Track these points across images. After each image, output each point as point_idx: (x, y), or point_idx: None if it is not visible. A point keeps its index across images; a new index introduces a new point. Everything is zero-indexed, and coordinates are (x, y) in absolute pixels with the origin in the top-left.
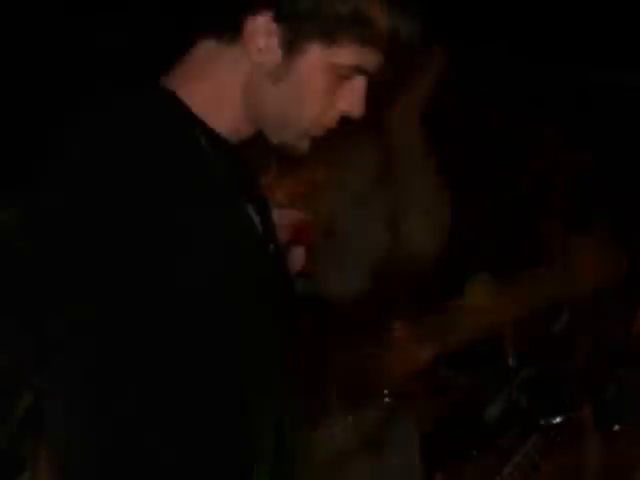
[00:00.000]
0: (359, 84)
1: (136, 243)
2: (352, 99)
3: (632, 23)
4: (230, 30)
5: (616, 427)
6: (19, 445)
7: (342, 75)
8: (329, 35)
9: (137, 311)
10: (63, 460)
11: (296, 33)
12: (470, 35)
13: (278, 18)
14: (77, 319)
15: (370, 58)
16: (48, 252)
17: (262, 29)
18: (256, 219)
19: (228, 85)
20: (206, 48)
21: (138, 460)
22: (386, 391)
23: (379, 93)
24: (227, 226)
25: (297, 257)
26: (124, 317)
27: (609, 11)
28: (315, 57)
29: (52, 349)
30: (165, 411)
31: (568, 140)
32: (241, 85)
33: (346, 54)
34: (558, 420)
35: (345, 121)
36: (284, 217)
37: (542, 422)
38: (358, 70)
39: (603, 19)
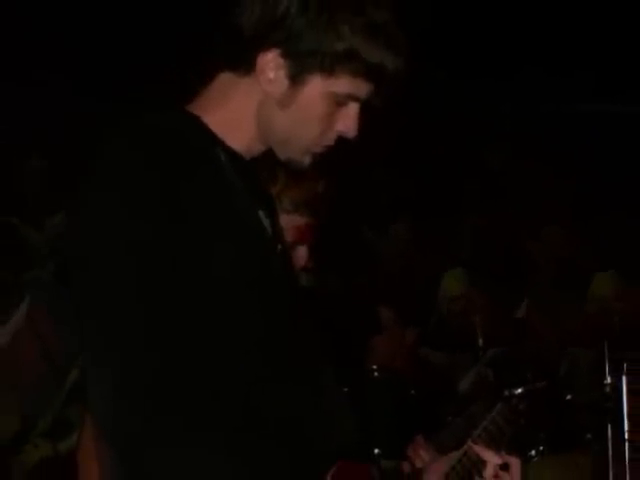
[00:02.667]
0: (353, 109)
1: (168, 241)
2: (347, 122)
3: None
4: (245, 64)
5: (568, 397)
6: (69, 411)
7: (339, 102)
8: (328, 68)
9: (173, 295)
10: (100, 423)
11: (300, 67)
12: (457, 68)
13: (285, 54)
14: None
15: (362, 87)
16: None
17: (272, 63)
18: (266, 222)
19: (243, 110)
20: (224, 79)
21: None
22: (375, 366)
23: None
24: (242, 228)
25: (300, 255)
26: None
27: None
28: (316, 87)
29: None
30: (182, 386)
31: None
32: (254, 110)
33: (342, 84)
34: (519, 391)
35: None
36: (289, 221)
37: (506, 393)
38: (352, 98)
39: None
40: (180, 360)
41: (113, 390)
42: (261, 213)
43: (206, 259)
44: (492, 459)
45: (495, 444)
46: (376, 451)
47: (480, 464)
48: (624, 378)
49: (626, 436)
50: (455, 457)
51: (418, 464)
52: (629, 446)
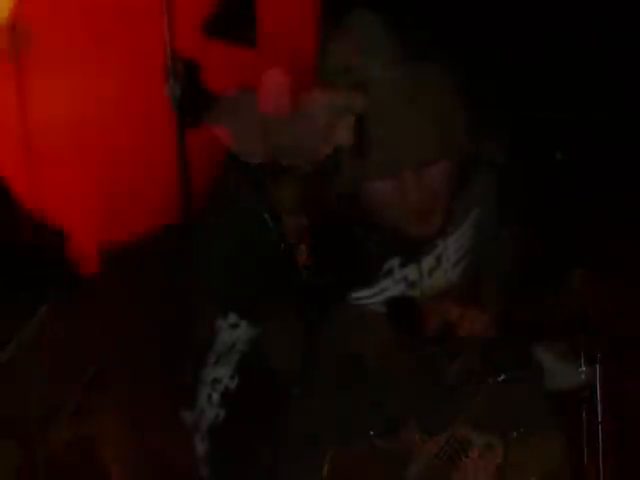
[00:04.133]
0: (350, 120)
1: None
2: (345, 132)
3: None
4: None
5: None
6: (90, 399)
7: (337, 114)
8: (328, 82)
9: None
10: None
11: (302, 80)
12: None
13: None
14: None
15: (359, 100)
16: None
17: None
18: (271, 223)
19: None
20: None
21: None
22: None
23: None
24: (249, 229)
25: (300, 253)
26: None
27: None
28: (316, 99)
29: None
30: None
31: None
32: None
33: (341, 97)
34: (502, 378)
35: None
36: (291, 222)
37: (490, 380)
38: (349, 110)
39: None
40: None
41: None
42: (266, 215)
43: (217, 256)
44: (477, 440)
45: (480, 427)
46: (371, 433)
47: (466, 445)
48: (598, 367)
49: (599, 420)
50: (443, 439)
51: (409, 446)
52: (602, 430)
